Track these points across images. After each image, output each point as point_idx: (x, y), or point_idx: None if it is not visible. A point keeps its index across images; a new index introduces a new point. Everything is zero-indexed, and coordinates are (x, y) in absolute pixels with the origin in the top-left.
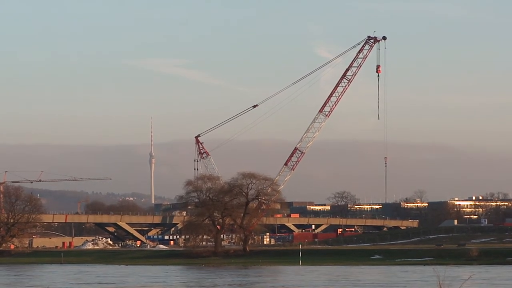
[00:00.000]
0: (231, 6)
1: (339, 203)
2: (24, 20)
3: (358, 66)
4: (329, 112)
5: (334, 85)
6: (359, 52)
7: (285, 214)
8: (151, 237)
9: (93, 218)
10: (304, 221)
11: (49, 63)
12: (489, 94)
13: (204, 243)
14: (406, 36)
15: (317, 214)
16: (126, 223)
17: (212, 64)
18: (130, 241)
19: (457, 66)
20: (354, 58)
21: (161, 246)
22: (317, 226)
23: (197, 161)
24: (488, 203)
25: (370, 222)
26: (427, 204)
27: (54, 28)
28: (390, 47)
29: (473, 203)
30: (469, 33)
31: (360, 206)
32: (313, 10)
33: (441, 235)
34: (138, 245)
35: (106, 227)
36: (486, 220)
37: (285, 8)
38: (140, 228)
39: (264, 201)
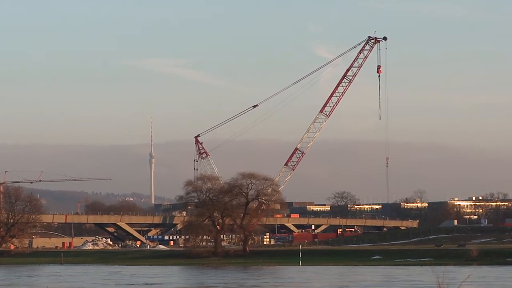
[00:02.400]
0: (231, 6)
1: (339, 203)
2: (24, 19)
3: (358, 67)
4: (329, 112)
5: (334, 85)
6: (360, 52)
7: (285, 214)
8: (151, 237)
9: (93, 219)
10: (304, 221)
11: (49, 63)
12: (489, 94)
13: (204, 243)
14: (406, 36)
15: (317, 214)
16: (126, 223)
17: (212, 64)
18: (130, 241)
19: (457, 66)
20: (355, 59)
21: (161, 247)
22: (317, 226)
23: (197, 161)
24: (488, 203)
25: (370, 222)
26: (427, 204)
27: (53, 28)
28: (390, 47)
29: (473, 203)
30: (469, 33)
31: (360, 206)
32: (313, 10)
33: (441, 236)
34: (138, 246)
35: (106, 228)
36: (486, 220)
37: (285, 8)
38: (140, 229)
39: (264, 201)
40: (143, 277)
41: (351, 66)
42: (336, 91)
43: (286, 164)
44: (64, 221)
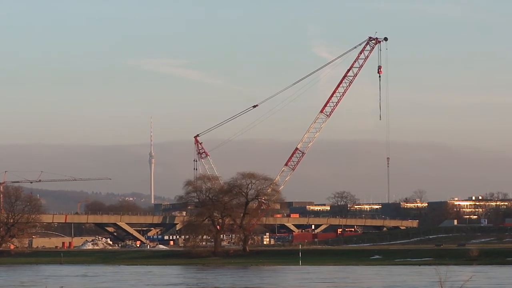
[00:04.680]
0: (231, 6)
1: (339, 203)
2: (24, 19)
3: (359, 67)
4: (330, 112)
5: (334, 86)
6: (361, 52)
7: (285, 214)
8: (151, 237)
9: (92, 218)
10: (303, 221)
11: (49, 63)
12: (490, 94)
13: (203, 243)
14: (406, 36)
15: (317, 214)
16: (126, 223)
17: (212, 64)
18: (130, 241)
19: (457, 66)
20: (356, 59)
21: (161, 246)
22: (317, 226)
23: (197, 161)
24: (488, 203)
25: (370, 222)
26: (427, 204)
27: (54, 28)
28: (390, 47)
29: (473, 203)
30: (469, 33)
31: (359, 206)
32: (313, 10)
33: (441, 235)
34: (138, 245)
35: (106, 227)
36: (486, 220)
37: (285, 8)
38: (140, 228)
39: (264, 201)
40: (179, 277)
41: (351, 67)
42: (337, 91)
43: (286, 164)
44: (64, 221)
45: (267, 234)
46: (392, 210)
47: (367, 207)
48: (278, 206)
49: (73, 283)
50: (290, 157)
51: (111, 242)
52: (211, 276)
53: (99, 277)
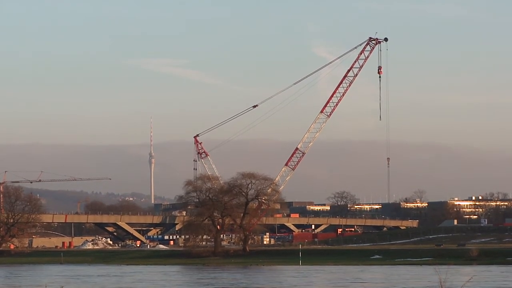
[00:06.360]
0: (231, 6)
1: (339, 203)
2: (24, 19)
3: (359, 67)
4: (330, 112)
5: (334, 86)
6: (361, 53)
7: (285, 214)
8: (151, 237)
9: (92, 218)
10: (304, 221)
11: (49, 63)
12: (490, 94)
13: (204, 243)
14: (406, 36)
15: (317, 214)
16: (126, 223)
17: (212, 64)
18: (130, 241)
19: (457, 66)
20: (356, 59)
21: (161, 246)
22: (317, 226)
23: (196, 161)
24: (488, 203)
25: (370, 222)
26: (427, 204)
27: (53, 27)
28: (390, 48)
29: (473, 203)
30: (469, 33)
31: (359, 206)
32: (313, 10)
33: (441, 235)
34: (138, 245)
35: (106, 227)
36: (486, 220)
37: (285, 8)
38: (140, 228)
39: (264, 201)
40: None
41: (352, 67)
42: (337, 91)
43: (286, 164)
44: (64, 221)
45: (267, 234)
46: (392, 210)
47: (367, 207)
48: (278, 206)
49: (102, 283)
50: (290, 157)
51: (111, 242)
52: (240, 276)
53: (122, 277)
